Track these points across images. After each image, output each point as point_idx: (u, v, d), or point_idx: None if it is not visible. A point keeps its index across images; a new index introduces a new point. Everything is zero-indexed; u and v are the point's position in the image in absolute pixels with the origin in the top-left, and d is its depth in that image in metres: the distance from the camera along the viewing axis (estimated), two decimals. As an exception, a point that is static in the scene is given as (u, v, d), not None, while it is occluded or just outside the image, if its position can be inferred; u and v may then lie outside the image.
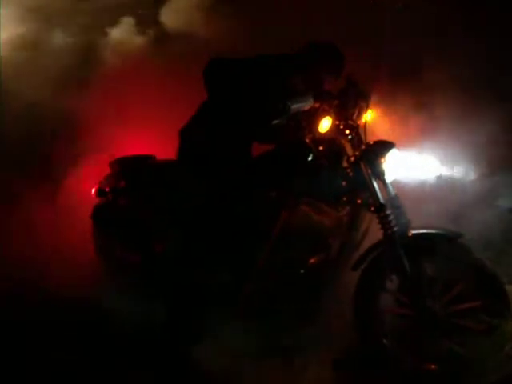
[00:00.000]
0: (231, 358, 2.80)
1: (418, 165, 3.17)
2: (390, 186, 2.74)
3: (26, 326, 3.26)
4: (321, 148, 2.77)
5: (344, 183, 2.78)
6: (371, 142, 2.76)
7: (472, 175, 3.35)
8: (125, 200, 3.37)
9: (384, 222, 2.67)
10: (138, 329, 3.08)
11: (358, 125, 2.82)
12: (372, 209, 2.70)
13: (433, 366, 2.71)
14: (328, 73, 2.88)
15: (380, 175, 2.71)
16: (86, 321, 3.26)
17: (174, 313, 3.09)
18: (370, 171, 2.69)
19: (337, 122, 2.75)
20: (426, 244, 2.68)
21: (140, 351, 3.01)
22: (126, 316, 3.12)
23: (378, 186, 2.70)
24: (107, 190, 3.43)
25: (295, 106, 2.58)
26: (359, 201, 2.75)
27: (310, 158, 2.77)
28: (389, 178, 2.73)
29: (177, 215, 3.08)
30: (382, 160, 2.70)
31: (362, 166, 2.70)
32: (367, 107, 2.88)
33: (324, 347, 2.85)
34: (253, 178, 2.87)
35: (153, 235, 3.25)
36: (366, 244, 2.80)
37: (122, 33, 4.82)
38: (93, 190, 3.46)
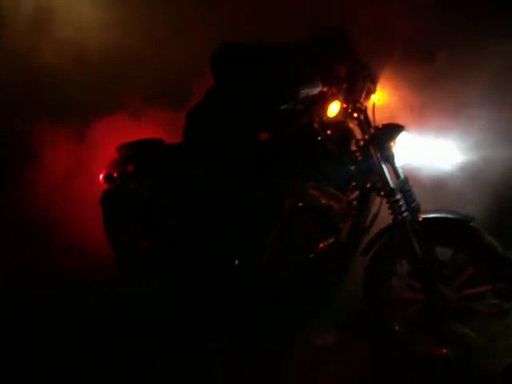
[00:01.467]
0: (243, 344, 2.85)
1: (432, 149, 3.10)
2: (399, 170, 2.71)
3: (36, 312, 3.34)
4: (329, 132, 2.74)
5: (353, 167, 2.75)
6: (380, 126, 2.72)
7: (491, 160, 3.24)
8: (134, 185, 3.35)
9: (394, 206, 2.65)
10: (150, 313, 3.11)
11: (366, 107, 2.78)
12: (382, 193, 2.68)
13: (444, 351, 2.71)
14: (338, 61, 2.83)
15: (389, 159, 2.67)
16: (97, 306, 3.30)
17: (185, 297, 3.10)
18: (379, 155, 2.65)
19: (345, 105, 2.72)
20: (437, 228, 2.65)
21: (153, 335, 3.05)
22: (139, 300, 3.16)
23: (388, 169, 2.67)
24: (115, 175, 3.41)
25: (303, 91, 2.55)
26: (368, 185, 2.72)
27: (318, 143, 2.73)
28: (398, 161, 2.69)
29: (183, 200, 3.07)
30: (392, 143, 2.65)
31: (372, 149, 2.66)
32: (375, 89, 2.85)
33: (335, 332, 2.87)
34: (259, 163, 2.84)
35: (162, 219, 3.24)
36: (375, 228, 2.77)
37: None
38: (101, 176, 3.45)
